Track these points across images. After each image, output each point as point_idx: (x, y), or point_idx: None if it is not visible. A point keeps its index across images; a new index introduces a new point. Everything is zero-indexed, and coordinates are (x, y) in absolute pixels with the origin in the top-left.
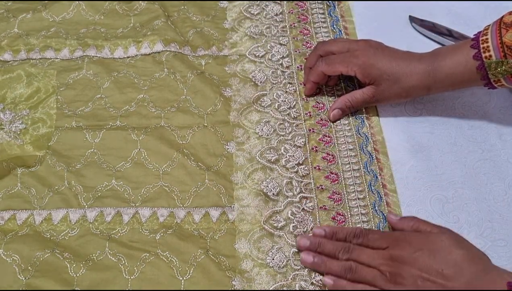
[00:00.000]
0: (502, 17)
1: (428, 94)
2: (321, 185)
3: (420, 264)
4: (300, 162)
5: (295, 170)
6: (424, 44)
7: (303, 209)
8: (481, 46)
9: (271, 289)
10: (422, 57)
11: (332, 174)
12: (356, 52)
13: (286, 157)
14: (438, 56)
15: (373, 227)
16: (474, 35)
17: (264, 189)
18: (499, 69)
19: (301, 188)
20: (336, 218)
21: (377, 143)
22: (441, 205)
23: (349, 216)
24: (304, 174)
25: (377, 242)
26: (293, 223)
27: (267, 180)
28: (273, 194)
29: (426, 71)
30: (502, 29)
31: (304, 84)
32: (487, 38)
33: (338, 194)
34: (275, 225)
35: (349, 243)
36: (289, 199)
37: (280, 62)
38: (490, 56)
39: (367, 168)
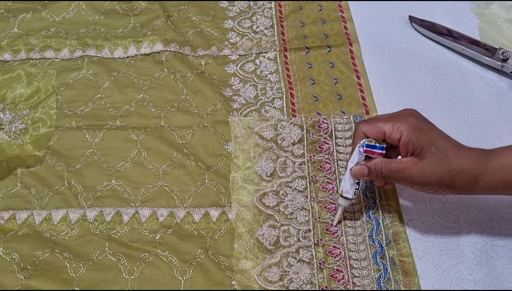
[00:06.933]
0: None
1: (473, 190)
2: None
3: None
4: (299, 162)
5: (293, 170)
6: (424, 44)
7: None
8: None
9: (270, 289)
10: (473, 148)
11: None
12: (404, 113)
13: (286, 155)
14: (492, 151)
15: (363, 213)
16: None
17: (263, 188)
18: None
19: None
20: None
21: None
22: (441, 205)
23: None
24: (300, 161)
25: None
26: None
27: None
28: (272, 193)
29: (478, 157)
30: None
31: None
32: None
33: (331, 184)
34: (274, 224)
35: None
36: (287, 197)
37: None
38: None
39: None
